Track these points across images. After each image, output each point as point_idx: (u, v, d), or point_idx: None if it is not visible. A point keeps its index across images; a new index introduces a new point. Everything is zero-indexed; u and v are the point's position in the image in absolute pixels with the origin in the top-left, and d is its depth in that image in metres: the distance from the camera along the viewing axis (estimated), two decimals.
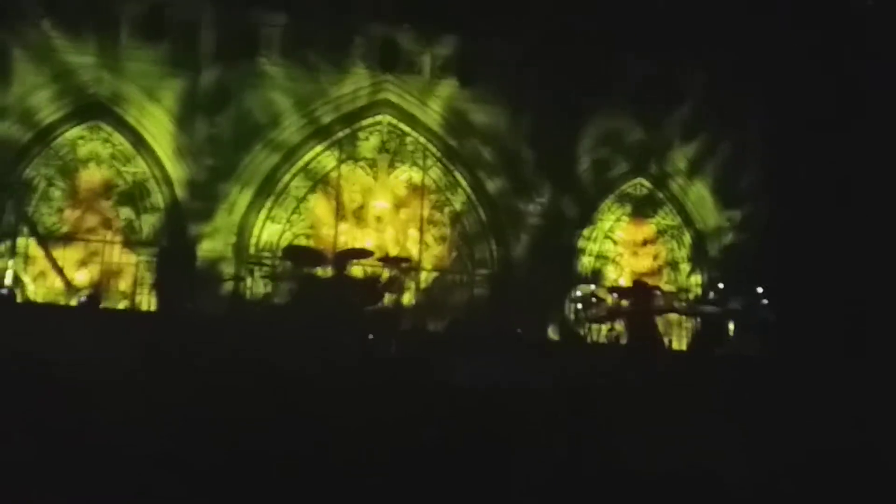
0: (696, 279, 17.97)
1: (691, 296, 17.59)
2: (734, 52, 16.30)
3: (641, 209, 18.05)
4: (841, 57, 15.22)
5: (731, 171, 17.52)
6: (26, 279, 15.18)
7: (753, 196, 17.25)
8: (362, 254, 14.56)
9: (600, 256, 17.84)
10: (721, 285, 15.79)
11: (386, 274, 13.65)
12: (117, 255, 15.80)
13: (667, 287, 17.26)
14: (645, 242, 18.04)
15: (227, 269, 15.35)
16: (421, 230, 17.15)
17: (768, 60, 16.13)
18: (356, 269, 14.29)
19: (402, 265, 14.37)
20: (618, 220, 18.02)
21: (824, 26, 15.49)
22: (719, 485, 6.19)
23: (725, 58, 16.53)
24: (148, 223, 16.03)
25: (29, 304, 14.13)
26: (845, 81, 15.34)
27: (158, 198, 16.09)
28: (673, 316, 15.71)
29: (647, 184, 18.00)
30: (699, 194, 17.91)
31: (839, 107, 15.29)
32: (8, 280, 14.50)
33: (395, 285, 13.82)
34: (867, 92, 15.16)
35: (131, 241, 15.90)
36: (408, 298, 16.05)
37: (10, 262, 14.78)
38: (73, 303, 14.49)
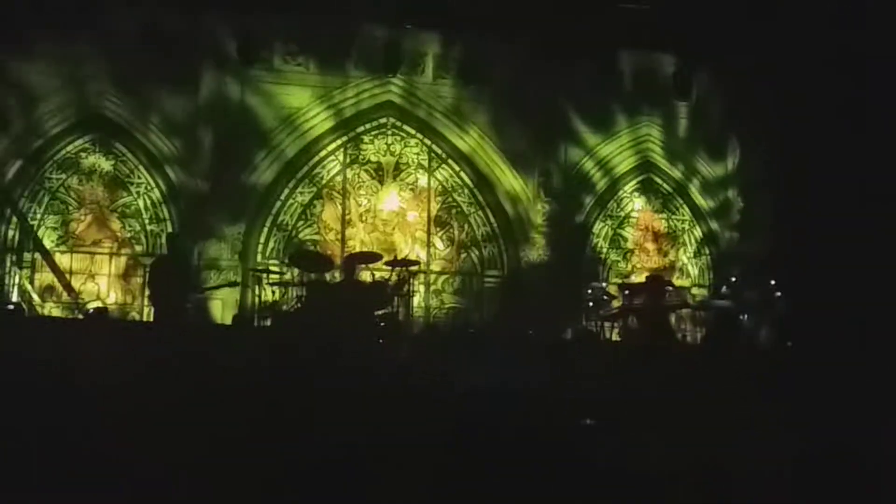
0: (707, 273, 17.81)
1: (704, 291, 17.41)
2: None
3: (651, 203, 17.93)
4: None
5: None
6: (33, 294, 15.12)
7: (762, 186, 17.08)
8: (370, 257, 14.47)
9: (609, 252, 17.71)
10: (733, 279, 15.59)
11: (394, 277, 13.53)
12: (123, 266, 15.76)
13: (678, 282, 17.09)
14: (656, 237, 17.87)
15: (233, 277, 15.17)
16: (428, 232, 17.01)
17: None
18: (364, 274, 14.19)
19: (411, 268, 14.26)
20: (627, 216, 17.86)
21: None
22: (733, 483, 6.06)
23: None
24: (152, 234, 15.96)
25: (37, 318, 14.05)
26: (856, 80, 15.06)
27: (163, 209, 16.01)
28: (685, 311, 15.53)
29: (657, 178, 17.88)
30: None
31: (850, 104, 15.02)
32: (14, 296, 14.45)
33: (404, 289, 13.72)
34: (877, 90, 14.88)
35: (136, 252, 15.83)
36: (417, 301, 15.96)
37: (16, 277, 14.71)
38: (81, 316, 14.43)
